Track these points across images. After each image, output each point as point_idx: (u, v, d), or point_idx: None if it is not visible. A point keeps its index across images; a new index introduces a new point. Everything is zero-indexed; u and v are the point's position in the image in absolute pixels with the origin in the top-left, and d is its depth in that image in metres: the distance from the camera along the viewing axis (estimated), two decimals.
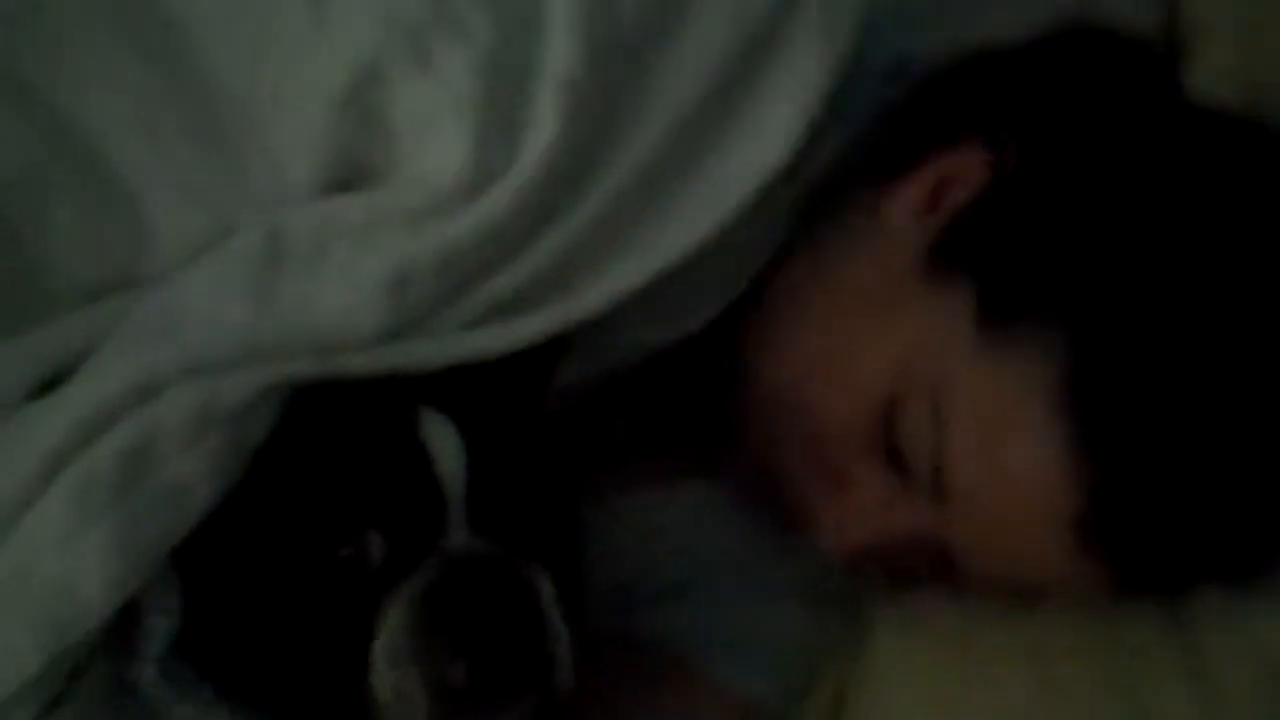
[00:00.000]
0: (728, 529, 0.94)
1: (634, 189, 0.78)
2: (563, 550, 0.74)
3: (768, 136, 0.79)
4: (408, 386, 0.75)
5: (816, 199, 0.87)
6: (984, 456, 0.78)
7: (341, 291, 0.75)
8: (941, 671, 0.80)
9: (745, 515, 0.93)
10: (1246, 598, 0.82)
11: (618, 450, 0.93)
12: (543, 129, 0.75)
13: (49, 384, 0.77)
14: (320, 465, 0.71)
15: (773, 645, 0.89)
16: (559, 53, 0.76)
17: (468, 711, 0.68)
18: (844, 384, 0.82)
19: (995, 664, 0.79)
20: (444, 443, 0.71)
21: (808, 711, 0.85)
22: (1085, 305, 0.78)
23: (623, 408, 0.94)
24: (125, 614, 0.70)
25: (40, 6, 0.81)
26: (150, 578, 0.69)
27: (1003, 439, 0.78)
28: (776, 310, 0.86)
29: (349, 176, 0.79)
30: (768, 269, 0.86)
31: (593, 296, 0.77)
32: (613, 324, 0.79)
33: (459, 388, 0.75)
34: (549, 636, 0.69)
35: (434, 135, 0.77)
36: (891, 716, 0.81)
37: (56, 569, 0.67)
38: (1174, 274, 0.79)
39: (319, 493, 0.70)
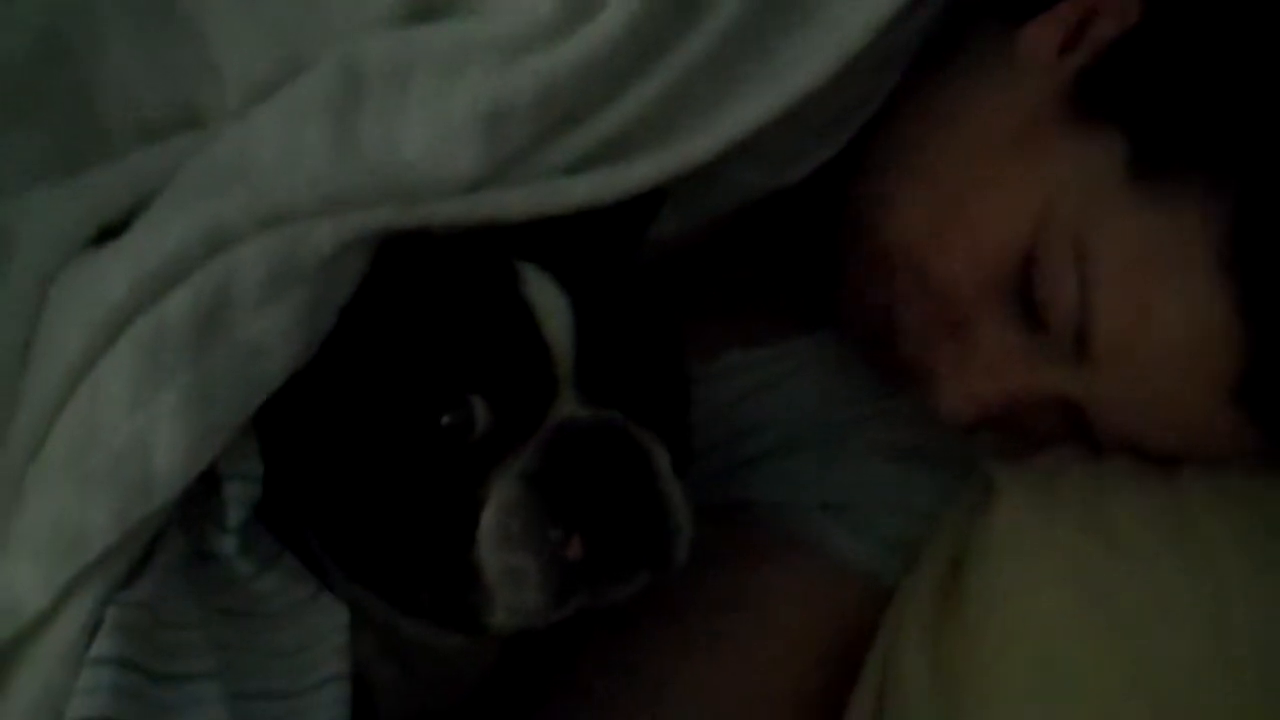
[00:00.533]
0: (832, 386, 0.90)
1: (749, 22, 0.72)
2: (673, 415, 0.70)
3: None
4: (498, 241, 0.70)
5: (934, 43, 0.81)
6: (1134, 314, 0.73)
7: (428, 130, 0.70)
8: (1074, 537, 0.75)
9: (853, 373, 0.89)
10: None
11: (715, 305, 0.89)
12: None
13: (111, 231, 0.73)
14: (416, 325, 0.67)
15: (879, 509, 0.84)
16: None
17: (582, 587, 0.64)
18: (976, 236, 0.76)
19: (1135, 531, 0.73)
20: (550, 302, 0.66)
21: (921, 582, 0.80)
22: (1255, 158, 0.72)
23: (722, 260, 0.89)
24: (203, 481, 0.66)
25: None
26: (228, 443, 0.65)
27: (1156, 296, 0.72)
28: (894, 162, 0.81)
29: (433, 3, 0.73)
30: (879, 118, 0.80)
31: (702, 142, 0.72)
32: (711, 167, 0.74)
33: (553, 242, 0.70)
34: (668, 509, 0.66)
35: None
36: (1017, 588, 0.75)
37: (126, 432, 0.64)
38: None
39: (416, 355, 0.66)
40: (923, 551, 0.81)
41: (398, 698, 0.76)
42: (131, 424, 0.64)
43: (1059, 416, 0.78)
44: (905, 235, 0.79)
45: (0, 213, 0.77)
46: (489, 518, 0.64)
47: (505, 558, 0.63)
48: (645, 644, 0.78)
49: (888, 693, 0.77)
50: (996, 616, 0.75)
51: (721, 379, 0.88)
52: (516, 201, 0.69)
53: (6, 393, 0.70)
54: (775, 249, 0.91)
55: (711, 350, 0.89)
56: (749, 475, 0.87)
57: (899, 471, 0.86)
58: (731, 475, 0.87)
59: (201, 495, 0.67)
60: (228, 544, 0.67)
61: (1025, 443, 0.82)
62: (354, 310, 0.68)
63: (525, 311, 0.66)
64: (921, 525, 0.83)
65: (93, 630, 0.63)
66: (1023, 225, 0.75)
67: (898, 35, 0.75)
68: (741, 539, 0.82)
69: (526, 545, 0.63)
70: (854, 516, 0.83)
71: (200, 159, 0.73)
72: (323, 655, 0.67)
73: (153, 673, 0.63)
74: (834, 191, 0.83)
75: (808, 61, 0.72)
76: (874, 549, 0.83)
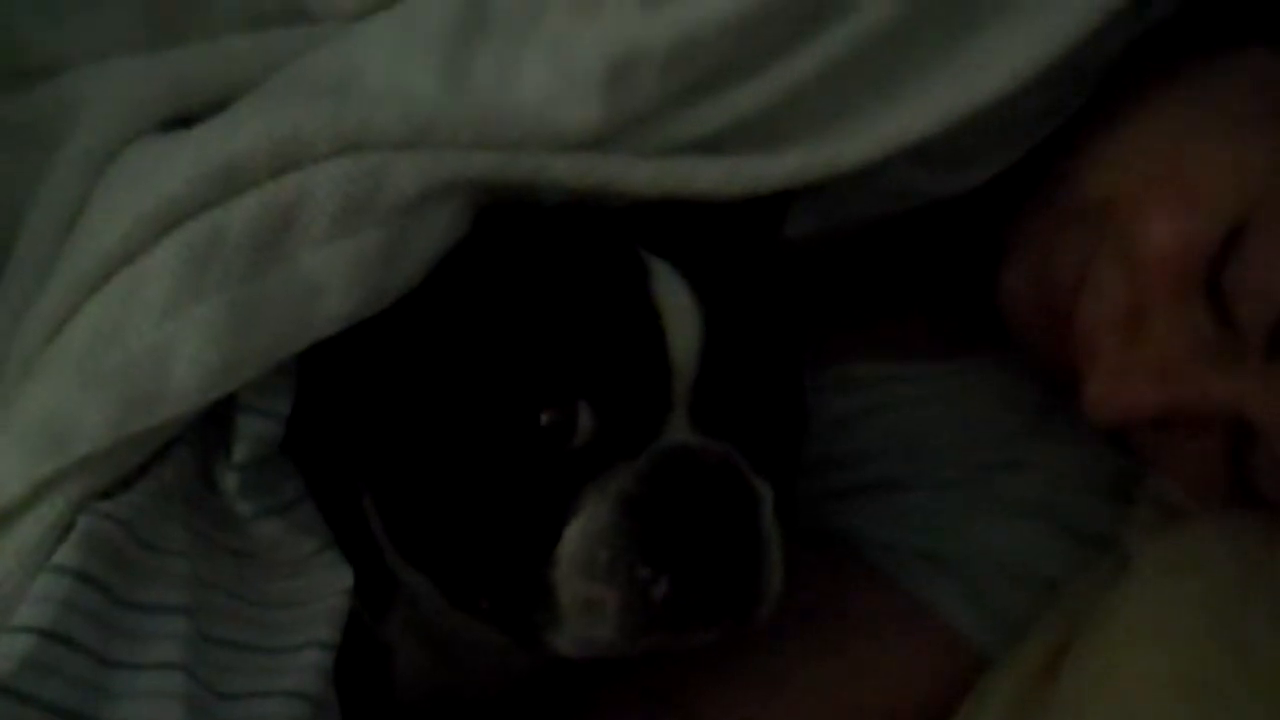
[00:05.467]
0: (959, 422, 0.84)
1: (931, 7, 0.68)
2: (784, 455, 0.67)
3: None
4: (616, 226, 0.66)
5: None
6: None
7: (548, 71, 0.66)
8: (1201, 645, 0.68)
9: (990, 411, 0.83)
10: None
11: (840, 307, 0.84)
12: None
13: (191, 121, 0.70)
14: (526, 306, 0.63)
15: (991, 572, 0.79)
16: None
17: (659, 628, 0.61)
18: (1189, 197, 0.71)
19: (1275, 653, 0.67)
20: (680, 309, 0.63)
21: (1019, 661, 0.75)
22: None
23: (857, 261, 0.84)
24: (228, 406, 0.64)
25: None
26: (255, 378, 0.63)
27: None
28: (1106, 122, 0.76)
29: None
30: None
31: (861, 143, 0.68)
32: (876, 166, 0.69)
33: (673, 234, 0.66)
34: (764, 560, 0.63)
35: None
36: (1115, 687, 0.70)
37: (152, 338, 0.61)
38: None
39: (523, 341, 0.62)
40: (1031, 626, 0.77)
41: (424, 681, 0.74)
42: (159, 331, 0.61)
43: (1218, 442, 0.72)
44: (1111, 192, 0.74)
45: (74, 78, 0.75)
46: (575, 539, 0.61)
47: (585, 586, 0.61)
48: (710, 676, 0.74)
49: None
50: (1082, 715, 0.69)
51: (833, 392, 0.84)
52: (638, 172, 0.66)
53: (40, 265, 0.68)
54: (926, 257, 0.86)
55: (826, 357, 0.84)
56: (844, 507, 0.83)
57: (1025, 532, 0.81)
58: (831, 501, 0.83)
59: (224, 420, 0.65)
60: (229, 480, 0.65)
61: (1169, 465, 0.76)
62: (452, 275, 0.65)
63: (651, 315, 0.62)
64: (1037, 596, 0.79)
65: (60, 536, 0.61)
66: (1240, 193, 0.69)
67: (1106, 42, 0.71)
68: (833, 576, 0.79)
69: (611, 578, 0.60)
70: (961, 574, 0.79)
71: (298, 63, 0.71)
72: (312, 616, 0.65)
73: (116, 595, 0.60)
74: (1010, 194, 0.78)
75: (999, 62, 0.68)
76: (976, 615, 0.78)
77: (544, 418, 0.61)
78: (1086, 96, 0.75)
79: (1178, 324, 0.71)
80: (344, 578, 0.65)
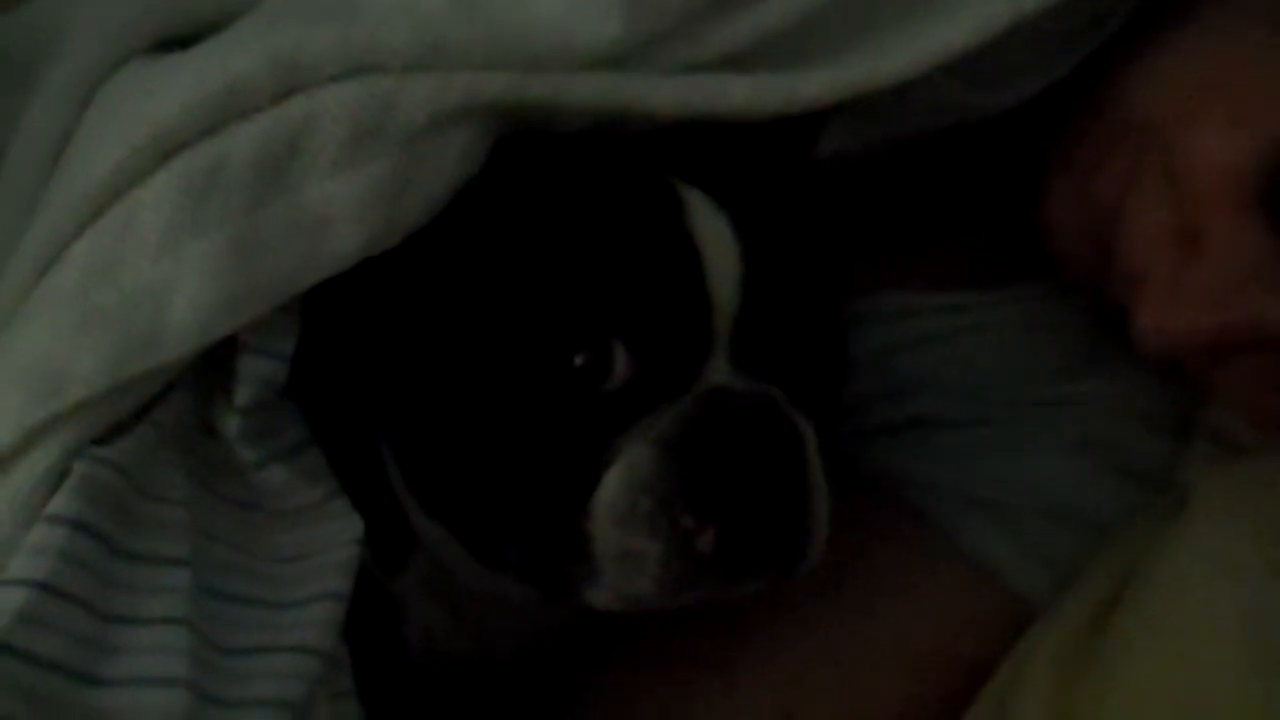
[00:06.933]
0: (1005, 355, 0.81)
1: None
2: (826, 391, 0.65)
3: None
4: (642, 153, 0.63)
5: None
6: None
7: None
8: (1263, 581, 0.66)
9: (1046, 342, 0.80)
10: None
11: (884, 234, 0.81)
12: None
13: (184, 46, 0.66)
14: (555, 242, 0.60)
15: (1040, 515, 0.76)
16: None
17: (703, 582, 0.58)
18: (1238, 109, 0.68)
19: None
20: (719, 243, 0.60)
21: (1070, 609, 0.72)
22: None
23: (899, 183, 0.81)
24: (229, 347, 0.61)
25: None
26: (257, 317, 0.60)
27: None
28: (1151, 38, 0.72)
29: None
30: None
31: (896, 60, 0.65)
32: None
33: (705, 161, 0.63)
34: (811, 507, 0.60)
35: None
36: (1171, 631, 0.67)
37: (148, 275, 0.58)
38: None
39: (553, 278, 0.60)
40: (1080, 571, 0.74)
41: (438, 642, 0.72)
42: (156, 269, 0.59)
43: None
44: (1158, 109, 0.71)
45: (55, 2, 0.72)
46: (613, 487, 0.58)
47: (624, 537, 0.58)
48: (747, 631, 0.72)
49: None
50: (1136, 659, 0.67)
51: (876, 322, 0.81)
52: (663, 92, 0.63)
53: (25, 199, 0.66)
54: (968, 184, 0.82)
55: (869, 285, 0.81)
56: (889, 443, 0.80)
57: (1079, 470, 0.78)
58: (867, 439, 0.80)
59: (224, 362, 0.62)
60: (231, 425, 0.62)
61: (1228, 395, 0.73)
62: (472, 209, 0.61)
63: (690, 250, 0.59)
64: (1087, 538, 0.76)
65: (55, 483, 0.58)
66: None
67: None
68: (874, 523, 0.75)
69: (653, 529, 0.58)
70: (1006, 518, 0.76)
71: None
72: (321, 568, 0.62)
73: (114, 545, 0.58)
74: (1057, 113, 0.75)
75: None
76: (1022, 561, 0.75)
77: (578, 359, 0.58)
78: (1130, 11, 0.72)
79: (1231, 245, 0.68)
80: (354, 527, 0.63)
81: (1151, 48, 0.72)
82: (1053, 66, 0.72)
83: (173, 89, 0.61)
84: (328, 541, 0.63)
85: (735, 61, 0.64)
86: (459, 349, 0.60)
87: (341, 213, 0.59)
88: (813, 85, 0.63)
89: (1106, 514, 0.76)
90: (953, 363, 0.80)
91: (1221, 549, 0.69)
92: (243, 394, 0.61)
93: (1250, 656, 0.65)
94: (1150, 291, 0.70)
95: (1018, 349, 0.80)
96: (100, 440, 0.59)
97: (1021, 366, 0.80)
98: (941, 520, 0.76)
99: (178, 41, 0.68)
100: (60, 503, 0.57)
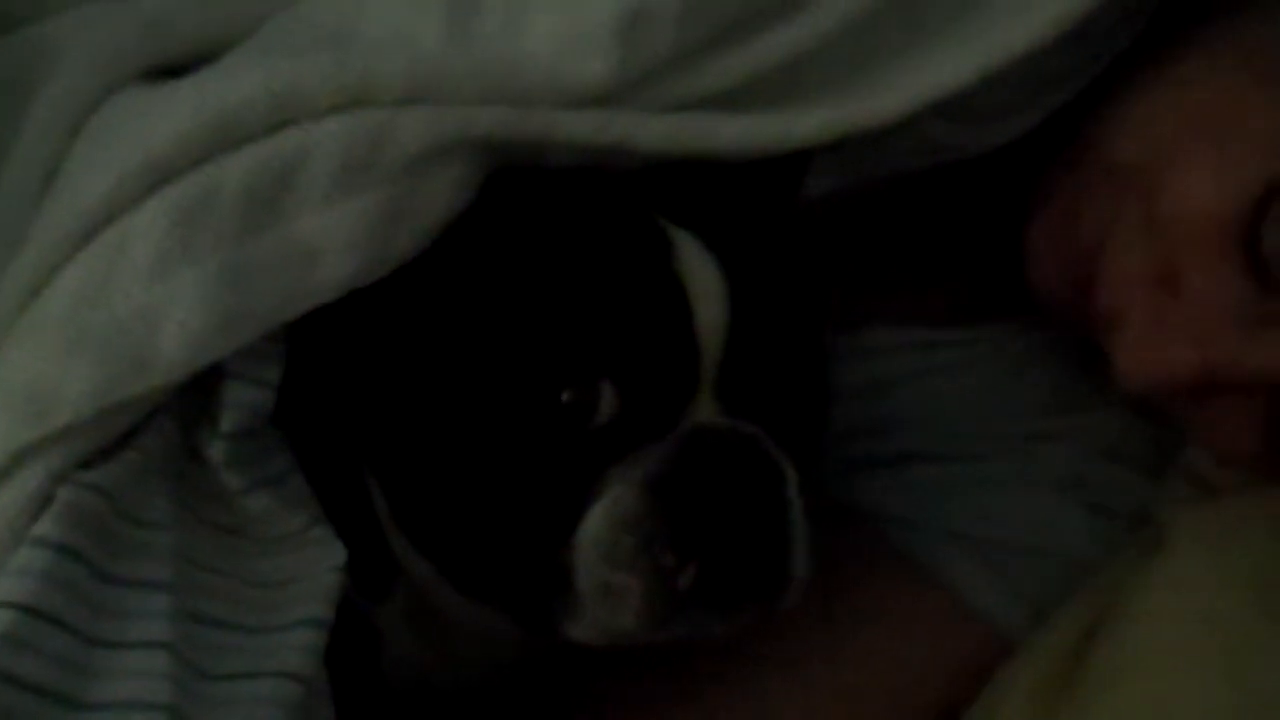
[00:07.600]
0: (985, 392, 0.82)
1: None
2: (809, 433, 0.65)
3: None
4: (629, 191, 0.64)
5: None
6: None
7: (558, 20, 0.64)
8: (1238, 614, 0.67)
9: (1027, 380, 0.81)
10: None
11: (869, 269, 0.82)
12: None
13: (174, 74, 0.67)
14: (545, 279, 0.61)
15: (1017, 550, 0.77)
16: None
17: (683, 617, 0.59)
18: (1222, 152, 0.68)
19: None
20: (706, 285, 0.61)
21: (1046, 644, 0.73)
22: None
23: (885, 219, 0.82)
24: (215, 374, 0.62)
25: None
26: (244, 345, 0.61)
27: None
28: (1136, 80, 0.73)
29: None
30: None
31: (890, 99, 0.65)
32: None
33: (692, 199, 0.64)
34: (792, 546, 0.61)
35: None
36: (1148, 664, 0.68)
37: (139, 301, 0.59)
38: None
39: (542, 315, 0.60)
40: (1058, 607, 0.75)
41: (416, 670, 0.73)
42: (147, 294, 0.59)
43: (1258, 410, 0.70)
44: (1139, 153, 0.72)
45: (46, 26, 0.72)
46: (596, 523, 0.59)
47: (607, 572, 0.59)
48: (726, 667, 0.73)
49: None
50: (1112, 695, 0.68)
51: (861, 358, 0.82)
52: (653, 129, 0.63)
53: (16, 222, 0.66)
54: (951, 222, 0.83)
55: (854, 321, 0.82)
56: (870, 480, 0.81)
57: (1055, 507, 0.79)
58: (850, 474, 0.81)
59: (210, 389, 0.63)
60: (216, 451, 0.63)
61: (1204, 434, 0.74)
62: (462, 243, 0.62)
63: (678, 291, 0.60)
64: (1065, 575, 0.77)
65: (40, 507, 0.59)
66: (1277, 149, 0.67)
67: None
68: (854, 559, 0.76)
69: (635, 565, 0.58)
70: (985, 554, 0.77)
71: (293, 10, 0.68)
72: (304, 594, 0.63)
73: (98, 569, 0.59)
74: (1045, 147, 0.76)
75: (1035, 9, 0.66)
76: (1000, 597, 0.77)
77: (565, 395, 0.59)
78: (1115, 54, 0.73)
79: (1213, 286, 0.69)
80: (336, 555, 0.63)
81: (1134, 91, 0.73)
82: (1034, 109, 0.73)
83: (167, 117, 0.61)
84: (310, 568, 0.63)
85: (728, 99, 0.65)
86: (446, 381, 0.61)
87: (332, 244, 0.60)
88: (804, 125, 0.64)
89: (1085, 551, 0.77)
90: (935, 399, 0.81)
91: (1199, 587, 0.70)
92: (228, 420, 0.62)
93: (1228, 695, 0.66)
94: (1130, 332, 0.71)
95: (999, 386, 0.81)
96: (86, 464, 0.59)
97: (1003, 403, 0.81)
98: (922, 556, 0.77)
99: (169, 70, 0.68)
100: (45, 526, 0.57)
